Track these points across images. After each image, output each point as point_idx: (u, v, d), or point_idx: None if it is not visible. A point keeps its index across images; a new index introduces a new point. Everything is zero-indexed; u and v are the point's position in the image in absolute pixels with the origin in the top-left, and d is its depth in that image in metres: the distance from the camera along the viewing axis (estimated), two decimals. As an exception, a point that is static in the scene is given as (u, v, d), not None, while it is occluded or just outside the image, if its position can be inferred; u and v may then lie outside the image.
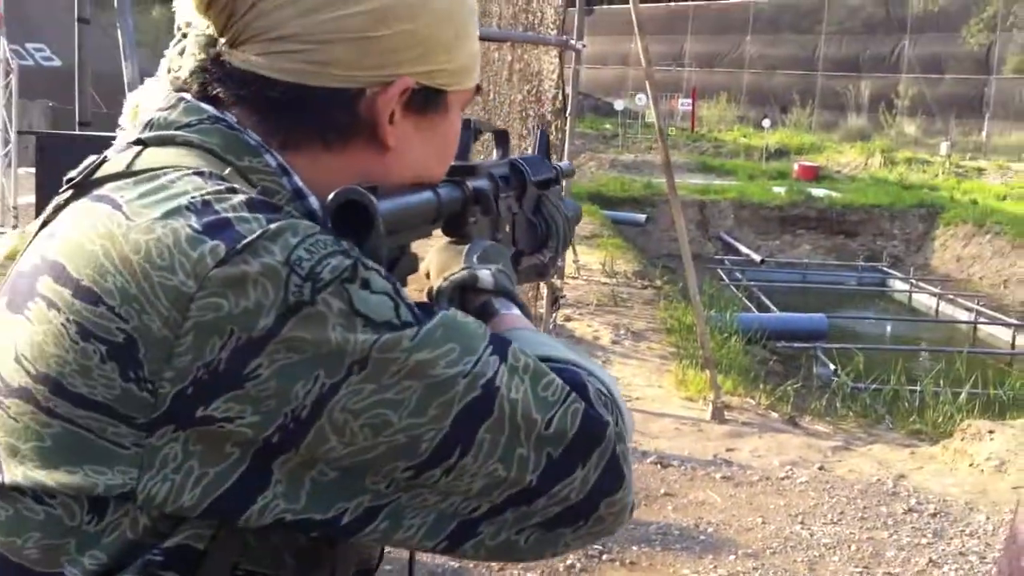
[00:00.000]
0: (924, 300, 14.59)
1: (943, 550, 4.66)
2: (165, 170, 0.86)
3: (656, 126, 6.55)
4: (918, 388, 8.15)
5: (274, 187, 0.90)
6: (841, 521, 4.94)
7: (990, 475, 5.53)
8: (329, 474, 0.80)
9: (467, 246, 1.08)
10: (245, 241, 0.78)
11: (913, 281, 15.00)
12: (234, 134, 0.90)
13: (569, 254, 9.90)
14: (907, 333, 12.78)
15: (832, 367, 9.38)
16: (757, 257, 15.71)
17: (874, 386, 8.44)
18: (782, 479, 5.43)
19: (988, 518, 5.01)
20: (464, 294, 1.04)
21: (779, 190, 18.41)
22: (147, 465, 0.77)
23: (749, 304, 12.16)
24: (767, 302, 12.39)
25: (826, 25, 29.80)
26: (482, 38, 7.00)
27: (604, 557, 4.41)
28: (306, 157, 0.93)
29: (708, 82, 30.70)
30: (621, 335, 8.32)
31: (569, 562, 4.33)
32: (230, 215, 0.80)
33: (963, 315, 13.30)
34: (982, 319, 12.77)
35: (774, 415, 6.72)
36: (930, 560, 4.55)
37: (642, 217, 16.43)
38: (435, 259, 1.09)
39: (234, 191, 0.83)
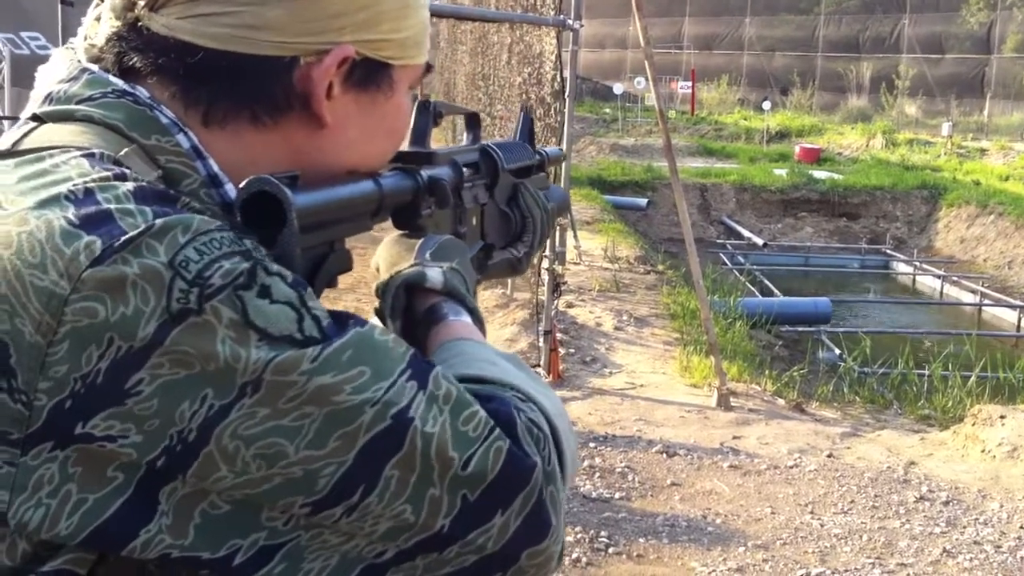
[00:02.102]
0: (928, 282, 14.49)
1: (957, 539, 4.56)
2: (51, 151, 0.75)
3: (656, 109, 6.42)
4: (926, 372, 8.03)
5: (183, 170, 0.79)
6: (852, 510, 4.83)
7: (1002, 461, 5.43)
8: (221, 507, 0.70)
9: (421, 240, 0.98)
10: (125, 238, 0.67)
11: (917, 263, 14.91)
12: (142, 110, 0.80)
13: (570, 240, 9.79)
14: (911, 316, 12.68)
15: (837, 351, 9.27)
16: (760, 241, 15.60)
17: (881, 370, 8.34)
18: (790, 467, 5.32)
19: (1002, 506, 4.91)
20: (411, 294, 0.93)
21: (781, 173, 18.29)
22: (19, 487, 0.67)
23: (752, 288, 12.06)
24: (770, 286, 12.28)
25: (825, 5, 29.65)
26: (478, 18, 6.89)
27: (610, 550, 4.31)
28: (230, 135, 0.83)
29: (707, 64, 30.55)
30: (624, 321, 8.21)
31: (575, 556, 4.23)
32: (112, 207, 0.69)
33: (968, 297, 13.21)
34: (987, 301, 12.67)
35: (780, 401, 6.62)
36: (944, 550, 4.44)
37: (643, 202, 16.32)
38: (384, 252, 0.99)
39: (123, 178, 0.72)
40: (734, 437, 5.74)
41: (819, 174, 18.25)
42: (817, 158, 20.74)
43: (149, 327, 0.66)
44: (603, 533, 4.44)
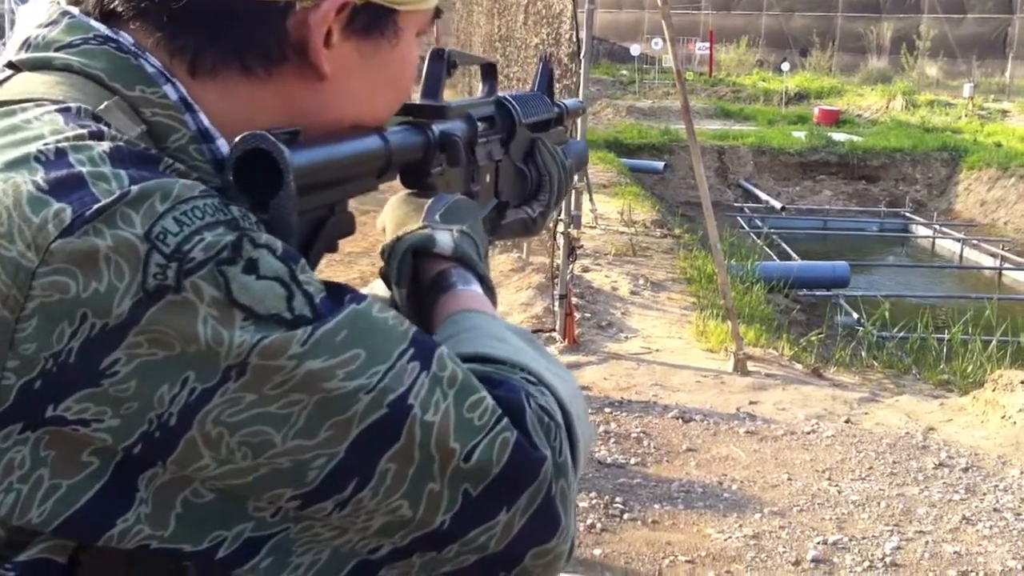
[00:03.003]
0: (948, 245, 14.34)
1: (976, 506, 4.51)
2: (24, 104, 0.69)
3: (674, 69, 6.33)
4: (945, 337, 7.94)
5: (171, 124, 0.73)
6: (870, 477, 4.78)
7: (1023, 427, 5.36)
8: (205, 496, 0.65)
9: (430, 200, 0.91)
10: (98, 206, 0.62)
11: (936, 227, 14.75)
12: (125, 58, 0.74)
13: (586, 203, 9.71)
14: (931, 280, 12.57)
15: (856, 315, 9.20)
16: (778, 204, 15.47)
17: (900, 335, 8.26)
18: (807, 433, 5.27)
19: (1022, 472, 4.85)
20: (418, 259, 0.87)
21: (799, 135, 18.10)
22: None
23: (770, 252, 11.96)
24: (788, 250, 12.19)
25: (845, -36, 29.25)
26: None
27: (625, 516, 4.28)
28: (221, 86, 0.76)
29: (725, 25, 30.23)
30: (640, 286, 8.15)
31: (589, 522, 4.20)
32: (85, 170, 0.63)
33: (987, 260, 13.08)
34: (1007, 264, 12.54)
35: (798, 366, 6.56)
36: (963, 517, 4.40)
37: (660, 165, 16.18)
38: (392, 213, 0.92)
39: (100, 136, 0.66)
40: (751, 402, 5.69)
41: (838, 136, 18.04)
42: (836, 120, 20.51)
43: (124, 305, 0.61)
44: (618, 499, 4.40)
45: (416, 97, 0.96)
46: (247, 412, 0.63)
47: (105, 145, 0.65)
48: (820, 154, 17.21)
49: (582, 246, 7.49)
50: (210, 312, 0.62)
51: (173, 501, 0.64)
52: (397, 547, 0.69)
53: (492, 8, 10.16)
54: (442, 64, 0.99)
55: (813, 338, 7.37)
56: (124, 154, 0.65)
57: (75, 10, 0.77)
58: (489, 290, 0.88)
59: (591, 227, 10.00)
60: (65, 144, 0.65)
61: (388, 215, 0.93)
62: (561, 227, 6.63)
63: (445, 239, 0.87)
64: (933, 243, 14.69)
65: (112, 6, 0.76)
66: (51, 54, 0.74)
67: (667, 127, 17.80)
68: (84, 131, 0.66)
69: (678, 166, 15.91)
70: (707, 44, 27.93)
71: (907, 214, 15.81)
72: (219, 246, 0.63)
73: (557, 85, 7.44)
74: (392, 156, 0.86)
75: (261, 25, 0.76)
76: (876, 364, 7.03)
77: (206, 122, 0.75)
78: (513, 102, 1.11)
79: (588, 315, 7.19)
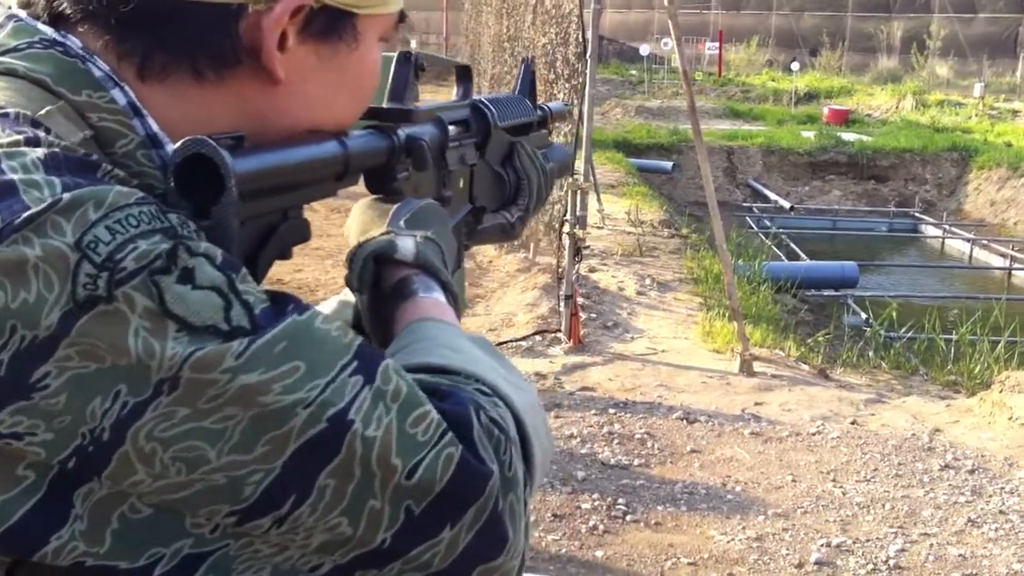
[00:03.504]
0: (957, 246, 14.28)
1: (982, 509, 4.48)
2: None
3: (680, 69, 6.31)
4: (953, 337, 7.90)
5: (118, 129, 0.72)
6: (875, 479, 4.76)
7: (1030, 429, 5.33)
8: (142, 511, 0.63)
9: (396, 205, 0.90)
10: (27, 215, 0.60)
11: (946, 227, 14.69)
12: (72, 62, 0.73)
13: (594, 203, 9.68)
14: (940, 280, 12.51)
15: (864, 316, 9.15)
16: (786, 204, 15.42)
17: (908, 335, 8.22)
18: (813, 434, 5.25)
19: (1028, 474, 4.82)
20: (380, 265, 0.86)
21: (808, 135, 18.04)
22: None
23: (779, 252, 11.92)
24: (797, 250, 12.15)
25: (856, -36, 29.14)
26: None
27: (628, 518, 4.26)
28: (171, 90, 0.75)
29: (735, 25, 30.16)
30: (647, 286, 8.12)
31: (592, 523, 4.19)
32: (16, 177, 0.62)
33: (997, 261, 13.02)
34: (1017, 265, 12.48)
35: (804, 367, 6.53)
36: (969, 520, 4.37)
37: (668, 164, 16.15)
38: (356, 218, 0.91)
39: (36, 143, 0.65)
40: (756, 403, 5.67)
41: (848, 136, 17.98)
42: (846, 120, 20.44)
43: (53, 316, 0.59)
44: (621, 500, 4.39)
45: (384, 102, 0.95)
46: (180, 427, 0.62)
47: (40, 152, 0.64)
48: (829, 154, 17.16)
49: (588, 246, 7.47)
50: (142, 323, 0.61)
51: (109, 517, 0.63)
52: (338, 565, 0.67)
53: (501, 8, 10.16)
54: (409, 67, 0.98)
55: (820, 338, 7.34)
56: (60, 160, 0.64)
57: (23, 13, 0.76)
58: (452, 297, 0.86)
59: (598, 227, 9.98)
60: None
61: (353, 220, 0.92)
62: (567, 227, 6.62)
63: (407, 245, 0.86)
64: (943, 243, 14.63)
65: (60, 8, 0.75)
66: None
67: (676, 127, 17.76)
68: (20, 137, 0.65)
69: (687, 166, 15.87)
70: (716, 44, 27.86)
71: (916, 214, 15.75)
72: (153, 255, 0.62)
73: (567, 85, 7.42)
74: (351, 161, 0.85)
75: (212, 28, 0.74)
76: (883, 365, 7.00)
77: (155, 127, 0.74)
78: (488, 105, 1.10)
79: (594, 315, 7.17)
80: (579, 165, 6.66)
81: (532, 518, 4.19)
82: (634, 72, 26.40)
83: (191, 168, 0.68)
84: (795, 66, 24.12)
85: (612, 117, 20.07)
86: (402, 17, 0.88)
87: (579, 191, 6.54)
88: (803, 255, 11.81)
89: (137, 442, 0.61)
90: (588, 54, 6.41)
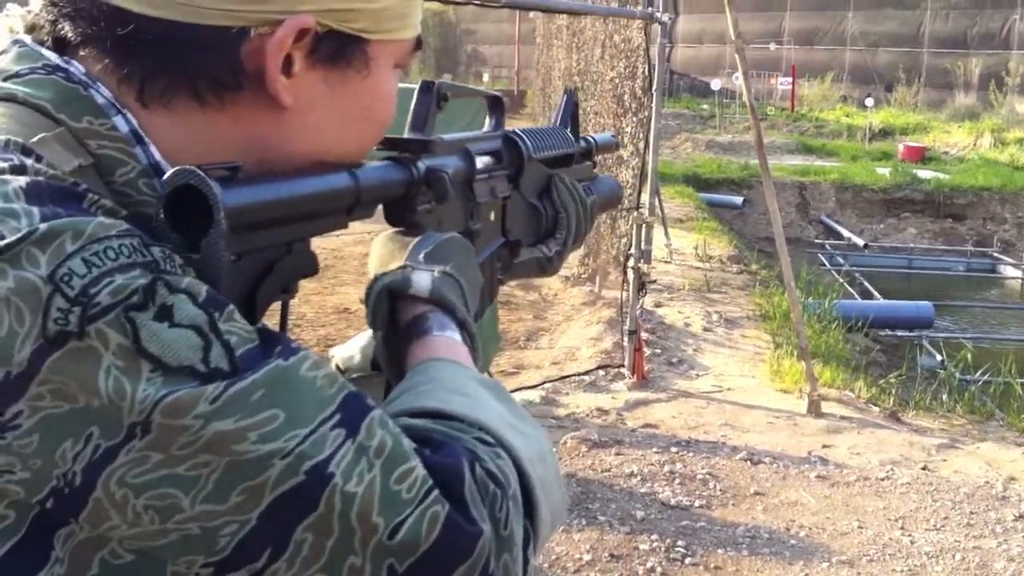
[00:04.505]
0: (1037, 287, 13.92)
1: (1059, 562, 4.29)
2: None
3: (747, 103, 6.23)
4: (1031, 382, 7.66)
5: (119, 157, 0.69)
6: (945, 527, 4.59)
7: (1111, 479, 5.11)
8: (124, 556, 0.61)
9: (417, 239, 0.86)
10: (1, 245, 0.57)
11: (1025, 267, 14.33)
12: (74, 88, 0.70)
13: (661, 238, 9.59)
14: (1019, 322, 12.18)
15: (939, 357, 8.92)
16: (860, 241, 15.17)
17: (984, 378, 7.98)
18: (881, 480, 5.09)
19: (1110, 527, 4.62)
20: (395, 301, 0.82)
21: (883, 171, 17.76)
22: None
23: (851, 290, 11.70)
24: (870, 288, 11.92)
25: (931, 1, 28.76)
26: (563, 11, 6.73)
27: (687, 561, 4.15)
28: (174, 116, 0.72)
29: (808, 60, 29.88)
30: (713, 322, 8.00)
31: (650, 565, 4.09)
32: None
33: (1079, 303, 12.65)
34: (1100, 307, 12.12)
35: (875, 409, 6.36)
36: (1045, 573, 4.19)
37: (739, 200, 16.00)
38: (376, 251, 0.88)
39: (21, 171, 0.62)
40: (823, 446, 5.52)
41: (924, 173, 17.67)
42: (922, 157, 20.09)
43: (24, 351, 0.56)
44: (680, 542, 4.28)
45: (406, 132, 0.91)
46: (153, 473, 0.58)
47: (22, 180, 0.61)
48: (905, 191, 16.86)
49: (653, 281, 7.38)
50: (115, 362, 0.57)
51: (90, 561, 0.60)
52: None
53: (571, 43, 10.19)
54: (431, 97, 0.93)
55: (892, 380, 7.15)
56: (42, 189, 0.61)
57: (27, 38, 0.74)
58: (469, 335, 0.82)
59: (665, 262, 9.89)
60: None
61: (373, 253, 0.88)
62: (631, 261, 6.55)
63: (423, 280, 0.82)
64: (1022, 284, 14.27)
65: (62, 32, 0.73)
66: None
67: (746, 162, 17.60)
68: (5, 165, 0.63)
69: (757, 201, 15.70)
70: (788, 79, 27.63)
71: (995, 254, 15.39)
72: (129, 290, 0.58)
73: (634, 118, 7.37)
74: (362, 193, 0.81)
75: (212, 52, 0.72)
76: (958, 409, 6.79)
77: (157, 156, 0.71)
78: (523, 136, 1.06)
79: (659, 351, 7.08)
80: (645, 198, 6.60)
81: (588, 557, 4.11)
82: (705, 106, 26.27)
83: (182, 199, 0.65)
84: (869, 102, 23.81)
85: (682, 151, 19.97)
86: (419, 44, 0.85)
87: (644, 224, 6.47)
88: (876, 293, 11.58)
89: (108, 488, 0.58)
90: (654, 87, 6.36)
